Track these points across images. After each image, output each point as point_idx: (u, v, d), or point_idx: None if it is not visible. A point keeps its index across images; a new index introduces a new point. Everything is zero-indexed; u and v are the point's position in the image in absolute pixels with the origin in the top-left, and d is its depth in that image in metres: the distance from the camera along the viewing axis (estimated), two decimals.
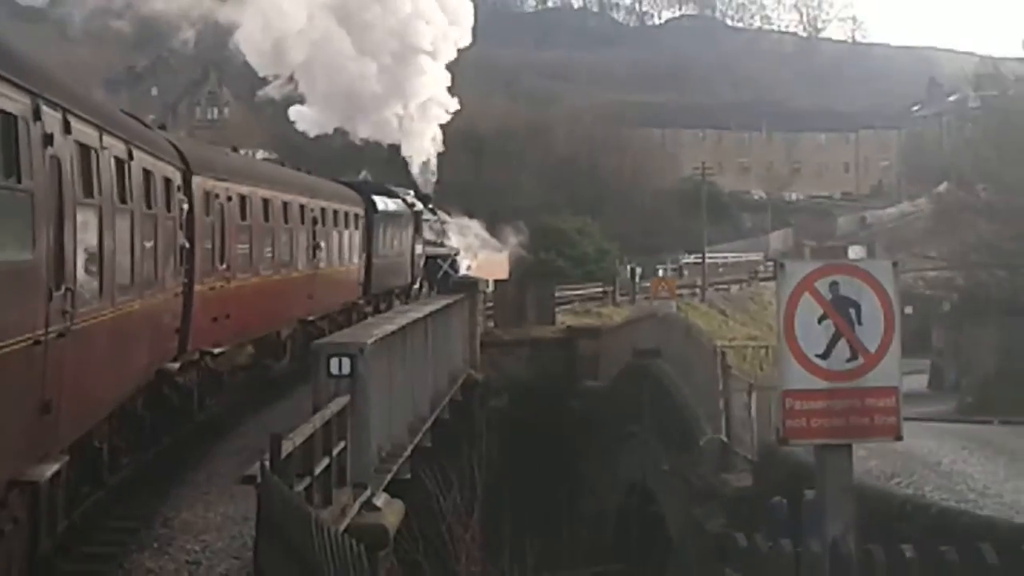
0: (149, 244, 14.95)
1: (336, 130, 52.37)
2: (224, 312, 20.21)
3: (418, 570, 17.48)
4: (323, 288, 28.38)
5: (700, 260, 79.33)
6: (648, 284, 54.71)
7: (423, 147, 51.25)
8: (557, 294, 46.28)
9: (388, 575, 15.39)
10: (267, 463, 10.72)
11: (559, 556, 20.58)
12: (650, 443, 25.85)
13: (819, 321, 7.29)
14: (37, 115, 9.69)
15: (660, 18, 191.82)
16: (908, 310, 61.29)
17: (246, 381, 22.75)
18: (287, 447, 11.23)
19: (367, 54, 49.18)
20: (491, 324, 38.71)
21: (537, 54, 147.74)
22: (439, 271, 43.50)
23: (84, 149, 11.40)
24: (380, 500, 15.88)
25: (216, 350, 19.74)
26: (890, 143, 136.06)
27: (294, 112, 51.55)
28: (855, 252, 66.03)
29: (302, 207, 26.48)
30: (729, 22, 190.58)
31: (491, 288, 41.00)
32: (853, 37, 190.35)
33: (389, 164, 53.95)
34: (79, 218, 11.17)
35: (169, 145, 17.75)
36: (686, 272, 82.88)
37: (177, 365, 17.30)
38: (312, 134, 52.22)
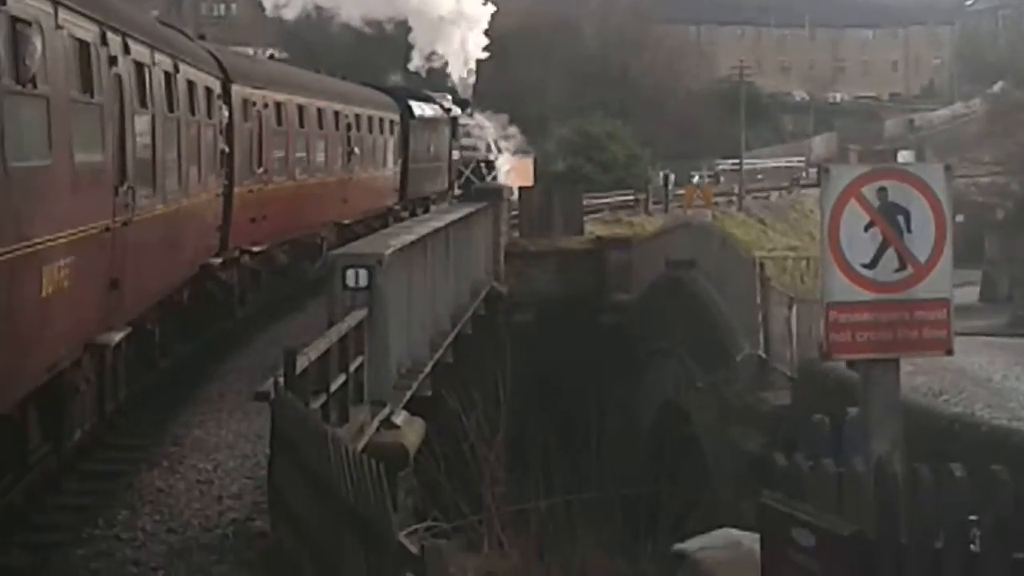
0: (193, 149, 17.40)
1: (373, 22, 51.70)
2: (262, 213, 22.46)
3: (439, 490, 17.64)
4: (358, 193, 30.44)
5: (737, 166, 78.88)
6: (682, 192, 54.48)
7: (461, 50, 50.75)
8: (586, 202, 46.11)
9: (408, 495, 15.53)
10: (281, 379, 10.81)
11: (587, 477, 20.71)
12: (683, 359, 25.91)
13: (865, 229, 7.23)
14: (104, 40, 12.12)
15: None
16: (959, 218, 60.90)
17: (282, 281, 24.62)
18: (302, 362, 11.30)
19: None
20: (516, 234, 38.68)
21: None
22: (481, 176, 43.92)
23: (139, 66, 13.89)
24: (399, 418, 15.99)
25: (255, 248, 22.00)
26: (942, 39, 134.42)
27: None
28: (904, 157, 65.62)
29: (336, 113, 28.47)
30: None
31: (516, 195, 40.89)
32: None
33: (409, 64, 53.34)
34: (136, 126, 13.68)
35: (210, 56, 20.02)
36: (722, 179, 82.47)
37: (219, 260, 19.65)
38: (352, 21, 51.08)
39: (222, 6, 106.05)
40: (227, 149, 20.17)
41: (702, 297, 25.55)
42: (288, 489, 10.24)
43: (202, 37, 22.47)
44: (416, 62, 51.27)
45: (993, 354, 25.77)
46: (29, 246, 9.68)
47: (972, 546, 6.32)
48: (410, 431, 16.10)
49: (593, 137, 71.95)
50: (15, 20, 9.35)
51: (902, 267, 7.27)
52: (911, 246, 7.26)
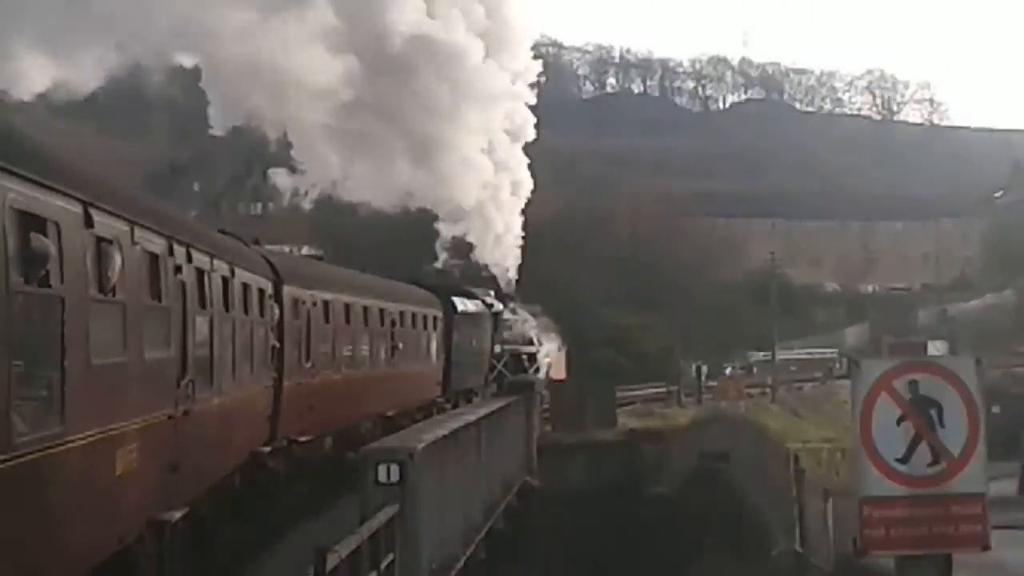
0: (247, 345, 18.84)
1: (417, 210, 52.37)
2: (309, 405, 23.59)
3: None
4: (402, 385, 31.89)
5: (769, 357, 78.82)
6: (715, 383, 54.38)
7: (504, 253, 51.76)
8: (618, 394, 46.12)
9: None
10: None
11: None
12: (720, 552, 25.55)
13: (898, 423, 7.18)
14: (171, 251, 13.70)
15: (724, 103, 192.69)
16: (995, 409, 60.45)
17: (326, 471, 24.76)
18: (332, 560, 11.18)
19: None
20: (548, 427, 38.56)
21: (597, 141, 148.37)
22: (509, 370, 44.04)
23: (200, 272, 15.41)
24: None
25: (302, 438, 23.07)
26: (972, 231, 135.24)
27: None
28: (935, 348, 65.37)
29: (381, 311, 30.17)
30: (798, 106, 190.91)
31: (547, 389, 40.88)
32: (931, 120, 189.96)
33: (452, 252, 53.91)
34: (196, 326, 15.12)
35: (263, 260, 21.83)
36: (755, 370, 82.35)
37: (268, 449, 20.81)
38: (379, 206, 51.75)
39: (259, 205, 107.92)
40: (278, 345, 21.60)
41: (737, 490, 25.32)
42: None
43: (256, 242, 24.07)
44: (449, 257, 51.91)
45: None
46: (106, 431, 11.05)
47: None
48: None
49: (626, 329, 72.24)
50: (99, 240, 10.91)
51: (935, 461, 7.20)
52: (944, 440, 7.20)
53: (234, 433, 18.10)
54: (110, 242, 11.19)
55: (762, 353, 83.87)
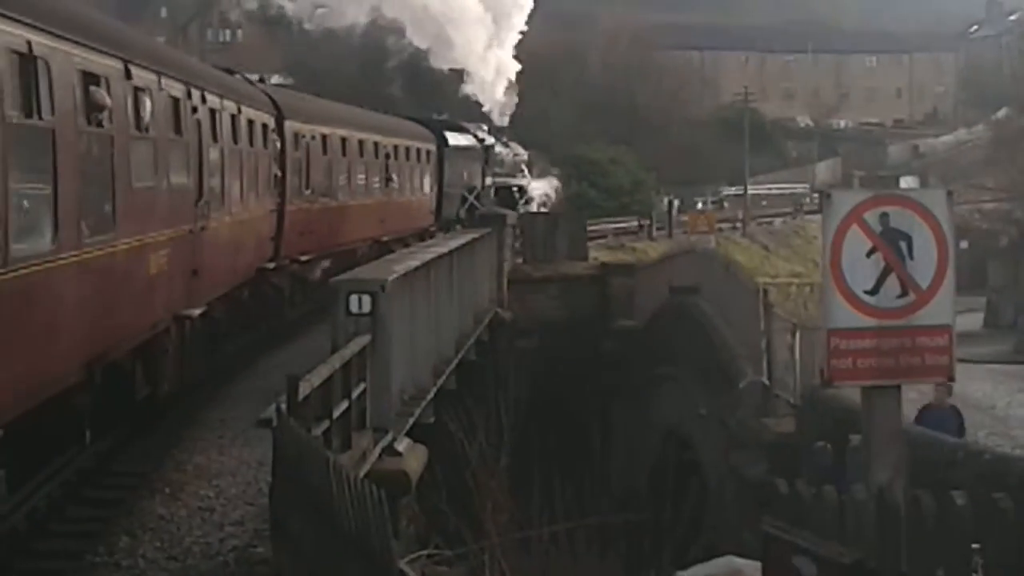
0: (252, 173, 21.46)
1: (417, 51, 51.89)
2: (309, 228, 26.36)
3: (442, 517, 17.57)
4: (395, 213, 34.55)
5: (741, 192, 78.94)
6: (686, 218, 54.47)
7: (496, 86, 51.59)
8: (590, 228, 46.16)
9: (410, 522, 15.48)
10: (283, 405, 10.80)
11: (590, 504, 20.63)
12: (687, 386, 25.89)
13: (868, 255, 7.20)
14: (188, 95, 16.41)
15: None
16: (963, 244, 60.71)
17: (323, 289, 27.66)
18: (304, 389, 11.28)
19: None
20: (519, 260, 38.67)
21: None
22: (500, 201, 45.21)
23: (212, 112, 18.04)
24: (402, 445, 15.95)
25: (303, 257, 25.97)
26: (946, 66, 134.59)
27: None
28: (907, 182, 65.54)
29: (376, 144, 32.55)
30: None
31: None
32: None
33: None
34: (210, 157, 17.90)
35: (266, 97, 24.23)
36: (727, 205, 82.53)
37: (273, 265, 23.74)
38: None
39: (228, 32, 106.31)
40: (280, 174, 24.20)
41: (705, 324, 25.53)
42: (290, 516, 10.21)
43: (261, 80, 26.82)
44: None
45: (997, 381, 25.81)
46: (143, 239, 14.01)
47: (975, 574, 6.28)
48: (412, 458, 16.06)
49: (597, 163, 72.04)
50: (136, 89, 13.58)
51: (904, 293, 7.24)
52: (913, 272, 7.23)
53: (243, 249, 21.05)
54: (144, 90, 13.96)
55: (734, 187, 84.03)
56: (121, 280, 13.35)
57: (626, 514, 24.31)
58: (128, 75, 13.22)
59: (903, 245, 7.23)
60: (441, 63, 52.20)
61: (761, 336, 21.06)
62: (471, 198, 43.44)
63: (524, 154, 51.25)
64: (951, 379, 7.30)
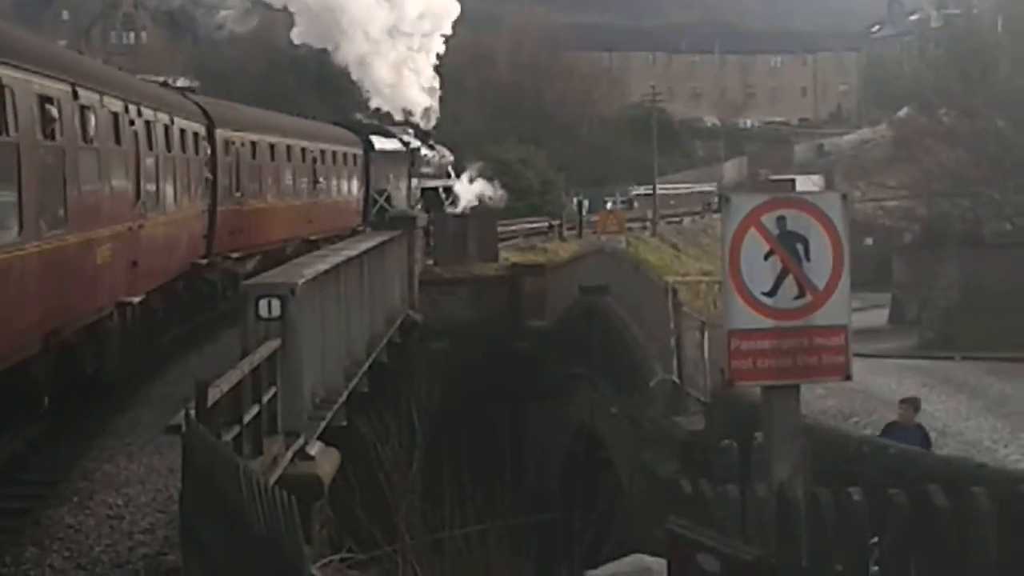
0: (185, 177, 23.71)
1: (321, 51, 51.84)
2: (239, 227, 28.53)
3: (355, 521, 17.61)
4: (322, 214, 36.56)
5: (650, 191, 79.51)
6: (596, 218, 54.77)
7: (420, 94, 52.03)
8: (500, 229, 46.36)
9: (322, 526, 15.49)
10: (193, 411, 10.76)
11: (502, 504, 20.76)
12: (598, 385, 26.06)
13: (765, 258, 7.34)
14: (127, 109, 18.71)
15: None
16: (868, 241, 61.75)
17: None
18: (214, 394, 11.26)
19: None
20: (430, 262, 38.72)
21: None
22: (427, 203, 46.65)
23: (147, 123, 20.28)
24: (314, 449, 15.95)
25: (234, 254, 27.96)
26: (849, 66, 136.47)
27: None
28: (803, 183, 66.36)
29: (303, 149, 34.88)
30: None
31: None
32: None
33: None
34: (147, 162, 20.17)
35: (198, 108, 26.36)
36: (636, 204, 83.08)
37: (205, 261, 25.89)
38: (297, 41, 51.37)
39: (132, 34, 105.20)
40: (211, 177, 26.34)
41: (616, 323, 25.72)
42: (200, 523, 10.18)
43: (192, 90, 28.79)
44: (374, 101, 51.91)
45: (902, 376, 26.30)
46: (89, 234, 16.24)
47: (871, 568, 6.45)
48: (325, 461, 16.07)
49: (507, 163, 72.19)
50: (82, 107, 15.95)
51: (801, 294, 7.39)
52: (809, 274, 7.38)
53: (177, 245, 23.30)
54: (88, 108, 16.22)
55: (643, 187, 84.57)
56: (72, 268, 15.59)
57: (538, 514, 24.49)
58: (75, 96, 15.64)
59: (800, 247, 7.38)
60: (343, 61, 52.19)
61: (671, 335, 21.23)
62: (381, 200, 43.39)
63: (450, 156, 52.38)
64: (847, 378, 7.45)
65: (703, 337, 19.72)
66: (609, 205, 74.73)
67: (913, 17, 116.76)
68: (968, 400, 23.00)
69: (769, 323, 7.31)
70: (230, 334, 20.60)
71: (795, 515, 6.55)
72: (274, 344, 14.85)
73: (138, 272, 19.22)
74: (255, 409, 13.46)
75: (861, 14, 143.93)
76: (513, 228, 55.34)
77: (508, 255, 44.60)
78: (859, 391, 21.16)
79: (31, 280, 13.77)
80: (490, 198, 50.77)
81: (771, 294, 7.33)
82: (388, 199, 43.36)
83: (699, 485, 7.70)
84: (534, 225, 59.91)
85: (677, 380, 20.84)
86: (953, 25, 58.95)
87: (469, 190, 50.93)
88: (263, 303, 15.42)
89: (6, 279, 12.95)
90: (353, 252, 22.66)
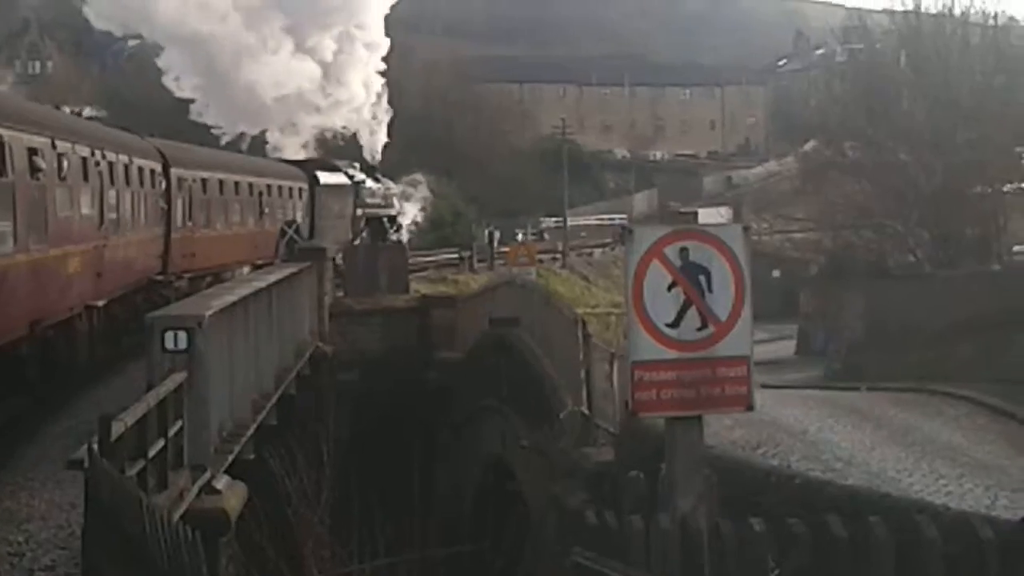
0: (141, 207, 27.64)
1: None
2: (191, 251, 32.60)
3: (262, 556, 17.44)
4: (268, 240, 39.52)
5: (561, 223, 79.86)
6: (507, 249, 54.93)
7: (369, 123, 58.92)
8: (410, 260, 46.43)
9: (230, 562, 15.33)
10: (96, 446, 10.62)
11: (412, 537, 20.66)
12: (508, 417, 26.07)
13: (668, 289, 7.40)
14: (92, 154, 22.83)
15: None
16: (776, 273, 62.49)
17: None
18: (117, 428, 11.12)
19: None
20: (341, 293, 38.54)
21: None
22: (372, 232, 50.95)
23: (110, 163, 24.36)
24: (221, 483, 15.78)
25: (187, 274, 31.85)
26: (756, 99, 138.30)
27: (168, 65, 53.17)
28: (711, 215, 67.01)
29: (250, 184, 39.05)
30: None
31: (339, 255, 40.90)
32: None
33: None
34: (109, 195, 24.18)
35: (155, 150, 30.54)
36: (547, 236, 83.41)
37: (160, 277, 29.80)
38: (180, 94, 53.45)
39: (37, 64, 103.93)
40: (166, 207, 30.36)
41: (526, 354, 25.77)
42: (103, 560, 10.05)
43: (151, 135, 32.30)
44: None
45: (808, 407, 26.54)
46: (64, 249, 20.50)
47: None
48: (232, 495, 15.90)
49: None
50: (59, 154, 20.09)
51: (704, 326, 7.46)
52: (712, 305, 7.46)
53: (135, 262, 27.27)
54: (63, 154, 20.44)
55: (553, 219, 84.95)
56: (51, 274, 19.80)
57: (449, 546, 24.39)
58: (54, 146, 19.90)
59: (702, 279, 7.44)
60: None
61: (581, 366, 21.29)
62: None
63: (395, 188, 57.18)
64: (750, 408, 7.54)
65: (612, 369, 19.78)
66: (520, 237, 74.99)
67: (819, 52, 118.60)
68: (873, 430, 23.24)
69: (672, 354, 7.37)
70: (136, 366, 20.34)
71: (698, 545, 6.61)
72: (180, 377, 14.69)
73: (102, 282, 23.49)
74: (160, 443, 13.31)
75: (768, 48, 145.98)
76: (424, 259, 55.38)
77: (419, 287, 44.59)
78: (767, 422, 21.33)
79: (22, 281, 18.16)
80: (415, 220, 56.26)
81: (674, 325, 7.40)
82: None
83: (604, 516, 7.73)
84: (445, 257, 59.94)
85: (587, 411, 20.88)
86: (857, 60, 59.85)
87: (409, 214, 56.42)
88: (169, 335, 15.26)
89: (4, 279, 17.34)
90: (262, 284, 22.52)
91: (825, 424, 23.29)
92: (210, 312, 16.31)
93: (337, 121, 58.50)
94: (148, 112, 58.11)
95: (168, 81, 53.77)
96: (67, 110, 30.33)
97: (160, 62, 54.04)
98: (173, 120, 55.47)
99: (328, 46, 57.08)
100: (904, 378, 31.22)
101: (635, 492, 14.58)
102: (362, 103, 59.00)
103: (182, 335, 15.29)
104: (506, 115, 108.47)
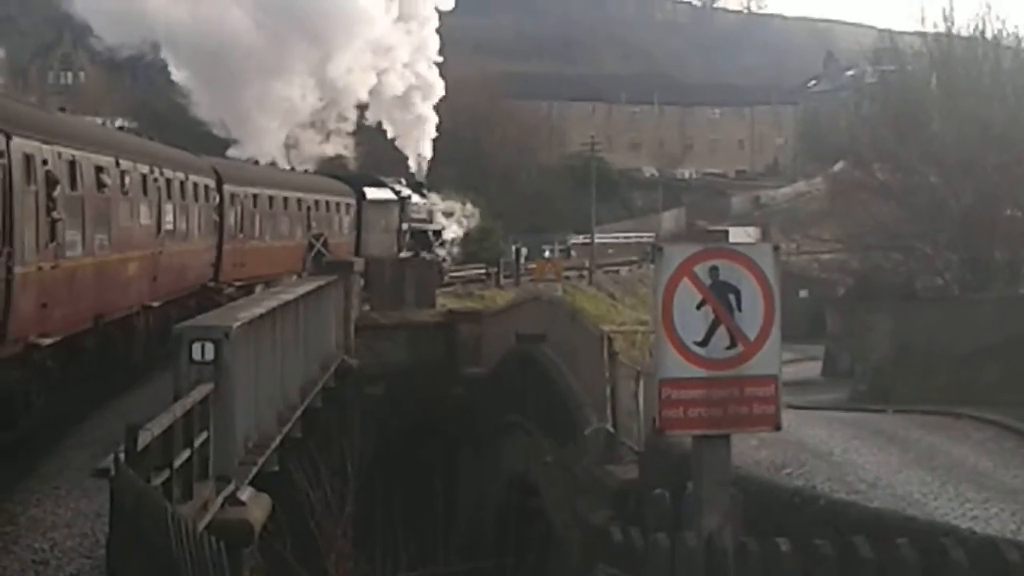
0: (196, 220, 30.15)
1: None
2: (241, 261, 35.34)
3: (286, 568, 17.45)
4: None
5: (588, 240, 79.83)
6: (534, 266, 54.91)
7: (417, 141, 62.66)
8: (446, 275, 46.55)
9: (253, 573, 15.33)
10: (122, 455, 10.65)
11: (434, 551, 20.65)
12: (533, 433, 26.02)
13: (698, 307, 7.38)
14: (151, 171, 25.24)
15: None
16: (803, 294, 62.22)
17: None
18: (144, 438, 11.15)
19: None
20: (367, 307, 38.60)
21: None
22: (416, 245, 53.56)
23: (168, 180, 26.91)
24: (245, 494, 15.80)
25: (237, 282, 34.30)
26: (786, 119, 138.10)
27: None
28: (747, 234, 66.84)
29: (299, 199, 42.10)
30: None
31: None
32: (749, 7, 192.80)
33: None
34: (166, 207, 26.67)
35: (211, 168, 33.37)
36: (574, 253, 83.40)
37: (213, 284, 32.47)
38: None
39: (70, 74, 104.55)
40: (218, 220, 32.93)
41: (551, 371, 25.73)
42: (128, 569, 10.07)
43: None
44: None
45: (833, 428, 26.44)
46: (125, 254, 22.74)
47: None
48: (256, 507, 15.91)
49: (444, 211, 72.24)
50: (122, 171, 22.52)
51: (733, 345, 7.43)
52: (741, 324, 7.43)
53: (189, 269, 29.67)
54: (126, 171, 22.82)
55: (581, 236, 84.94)
56: (113, 276, 21.99)
57: (471, 562, 24.36)
58: (118, 164, 22.33)
59: (732, 298, 7.42)
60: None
61: (606, 384, 21.26)
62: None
63: (441, 204, 60.74)
64: (777, 428, 7.50)
65: (638, 386, 19.72)
66: (547, 253, 74.98)
67: (849, 73, 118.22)
68: (899, 453, 23.13)
69: (701, 372, 7.35)
70: (164, 377, 20.40)
71: (723, 564, 6.58)
72: (207, 388, 14.72)
73: (157, 285, 25.90)
74: (186, 453, 13.34)
75: (798, 69, 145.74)
76: (451, 275, 55.45)
77: (445, 301, 44.58)
78: (792, 442, 21.25)
79: (88, 280, 20.36)
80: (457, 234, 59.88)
81: (703, 344, 7.37)
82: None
83: (629, 534, 7.70)
84: (472, 272, 59.98)
85: (612, 429, 20.84)
86: (888, 81, 59.60)
87: (453, 229, 59.60)
88: (196, 346, 15.29)
89: (73, 277, 19.45)
90: (290, 296, 22.56)
91: (850, 446, 23.20)
92: (237, 324, 16.34)
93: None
94: (184, 124, 58.33)
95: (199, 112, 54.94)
96: (99, 121, 31.06)
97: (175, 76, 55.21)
98: (201, 135, 55.80)
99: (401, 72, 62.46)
100: (931, 401, 31.04)
101: (659, 510, 14.55)
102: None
103: (209, 346, 15.31)
104: (534, 132, 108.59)
